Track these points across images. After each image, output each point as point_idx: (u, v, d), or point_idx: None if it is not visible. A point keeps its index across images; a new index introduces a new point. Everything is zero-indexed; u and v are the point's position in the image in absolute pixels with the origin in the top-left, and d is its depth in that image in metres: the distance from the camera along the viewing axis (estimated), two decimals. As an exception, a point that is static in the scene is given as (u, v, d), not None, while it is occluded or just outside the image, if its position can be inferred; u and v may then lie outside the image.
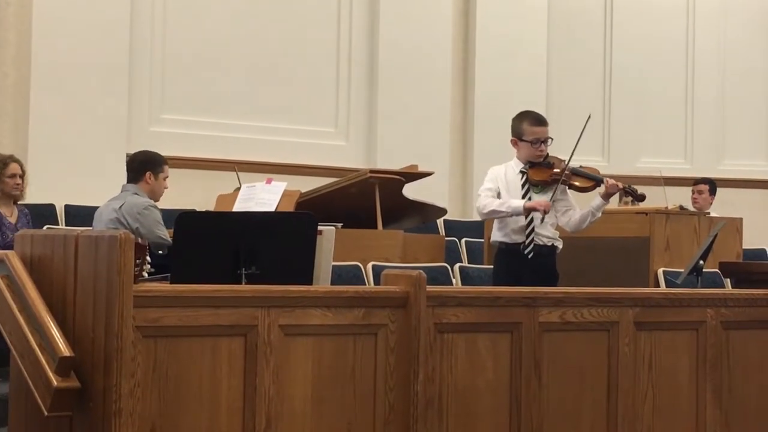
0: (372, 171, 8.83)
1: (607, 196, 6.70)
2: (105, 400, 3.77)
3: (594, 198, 6.71)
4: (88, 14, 10.47)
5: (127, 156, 6.97)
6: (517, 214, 6.55)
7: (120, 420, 3.75)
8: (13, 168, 7.74)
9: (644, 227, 8.56)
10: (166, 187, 6.82)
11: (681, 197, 10.09)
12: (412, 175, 9.12)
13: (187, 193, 10.27)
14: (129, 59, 10.75)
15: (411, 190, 8.98)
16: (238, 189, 8.56)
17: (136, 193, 6.61)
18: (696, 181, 11.15)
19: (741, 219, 9.38)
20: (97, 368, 3.81)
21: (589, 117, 6.84)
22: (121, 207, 6.45)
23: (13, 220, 7.62)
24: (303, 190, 8.80)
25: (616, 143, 13.46)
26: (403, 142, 11.82)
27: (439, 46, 12.52)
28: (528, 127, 6.67)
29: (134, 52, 10.83)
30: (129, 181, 6.75)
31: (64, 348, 3.82)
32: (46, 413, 3.81)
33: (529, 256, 6.55)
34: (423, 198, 9.14)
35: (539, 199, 6.60)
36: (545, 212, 6.51)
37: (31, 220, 7.93)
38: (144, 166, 6.70)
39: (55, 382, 3.78)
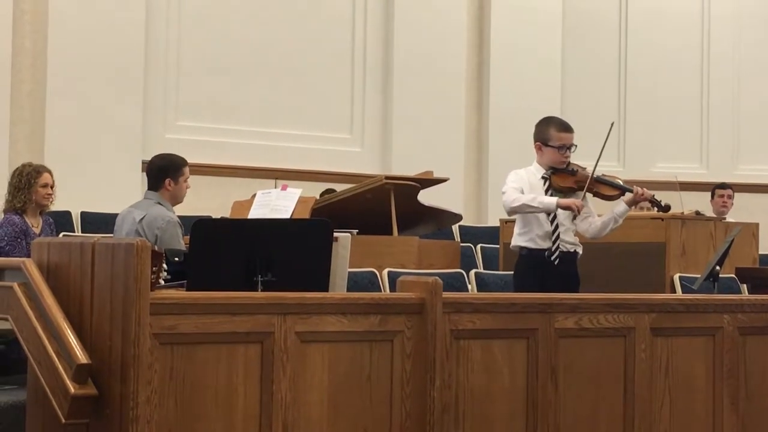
0: (387, 177, 8.82)
1: (633, 203, 6.70)
2: (122, 408, 3.78)
3: (616, 204, 6.70)
4: (104, 22, 10.51)
5: (143, 162, 6.92)
6: (547, 211, 6.52)
7: (137, 427, 3.76)
8: (45, 178, 7.68)
9: (660, 233, 8.54)
10: (188, 187, 6.74)
11: (697, 202, 10.07)
12: (427, 181, 9.11)
13: (202, 199, 10.28)
14: (144, 67, 10.80)
15: (426, 196, 8.98)
16: (254, 195, 8.57)
17: (159, 203, 6.51)
18: (722, 186, 11.11)
19: (757, 224, 9.36)
20: (114, 375, 3.82)
21: (612, 124, 6.84)
22: (142, 220, 6.39)
23: (38, 230, 7.59)
24: (318, 197, 8.82)
25: (631, 149, 13.45)
26: (418, 148, 11.83)
27: (454, 52, 12.53)
28: (555, 133, 6.66)
29: (149, 59, 10.87)
30: (149, 187, 6.67)
31: (81, 355, 3.83)
32: (63, 420, 3.82)
33: (555, 263, 6.54)
34: (438, 204, 9.13)
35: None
36: (578, 212, 6.50)
37: (55, 230, 7.93)
38: (162, 173, 6.59)
39: (72, 389, 3.79)
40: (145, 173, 6.78)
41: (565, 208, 6.48)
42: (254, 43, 11.49)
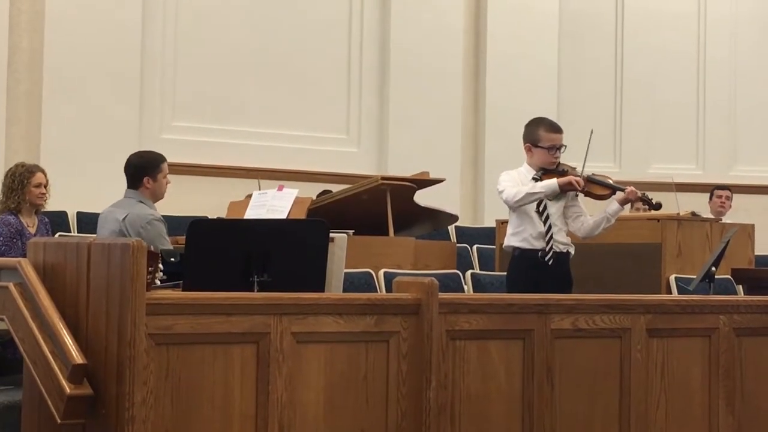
0: (383, 178, 8.84)
1: (625, 202, 6.72)
2: (118, 408, 3.78)
3: (609, 204, 6.71)
4: (100, 21, 10.51)
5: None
6: (551, 192, 6.51)
7: (133, 427, 3.76)
8: (39, 177, 7.63)
9: (656, 233, 8.55)
10: (168, 183, 6.66)
11: (693, 203, 10.08)
12: (424, 182, 9.12)
13: (198, 200, 10.29)
14: (141, 66, 10.79)
15: (422, 197, 8.98)
16: (250, 196, 8.57)
17: (141, 201, 6.44)
18: (721, 187, 11.15)
19: (753, 225, 9.36)
20: (109, 376, 3.82)
21: (592, 132, 6.84)
22: (125, 218, 6.32)
23: (33, 230, 7.56)
24: (314, 197, 8.82)
25: (627, 150, 13.46)
26: (415, 149, 11.83)
27: (450, 53, 12.53)
28: (545, 134, 6.66)
29: (146, 59, 10.87)
30: (129, 186, 6.59)
31: (76, 355, 3.83)
32: (59, 421, 3.82)
33: (549, 263, 6.54)
34: (434, 205, 9.14)
35: (553, 206, 6.60)
36: (580, 187, 6.53)
37: (50, 229, 7.90)
38: (140, 172, 6.47)
39: (68, 390, 3.79)
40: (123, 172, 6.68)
41: (567, 184, 6.49)
42: (251, 44, 11.48)
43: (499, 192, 6.63)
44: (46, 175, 7.71)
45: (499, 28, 12.83)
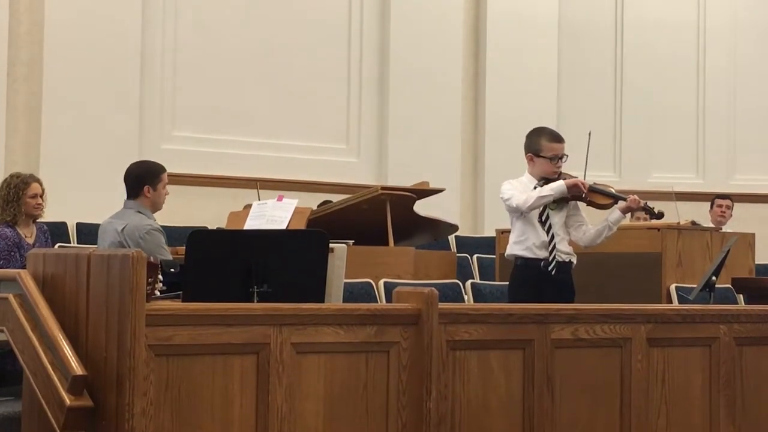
0: (383, 188, 8.84)
1: (627, 211, 6.73)
2: (118, 419, 3.77)
3: (611, 213, 6.71)
4: (99, 32, 10.51)
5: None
6: (559, 193, 6.54)
7: (133, 438, 3.76)
8: (34, 188, 7.57)
9: (656, 243, 8.54)
10: (167, 194, 6.63)
11: (693, 212, 10.07)
12: (424, 192, 9.12)
13: (198, 210, 10.29)
14: (140, 77, 10.80)
15: (422, 207, 8.98)
16: (249, 206, 8.56)
17: (139, 211, 6.41)
18: (722, 196, 11.15)
19: (753, 234, 9.35)
20: (109, 387, 3.82)
21: (590, 133, 6.85)
22: (123, 229, 6.30)
23: (31, 240, 7.52)
24: (314, 207, 8.81)
25: (627, 158, 13.46)
26: (414, 159, 11.83)
27: (450, 63, 12.54)
28: (547, 143, 6.66)
29: (145, 69, 10.88)
30: (128, 196, 6.55)
31: (76, 366, 3.83)
32: (58, 432, 3.82)
33: (553, 273, 6.54)
34: (434, 215, 9.13)
35: (556, 216, 6.60)
36: (585, 189, 6.58)
37: (50, 237, 7.87)
38: (140, 181, 6.44)
39: (67, 401, 3.78)
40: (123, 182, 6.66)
41: (573, 186, 6.54)
42: (250, 54, 11.49)
43: (505, 200, 6.62)
44: (41, 185, 7.66)
45: (499, 37, 12.84)
